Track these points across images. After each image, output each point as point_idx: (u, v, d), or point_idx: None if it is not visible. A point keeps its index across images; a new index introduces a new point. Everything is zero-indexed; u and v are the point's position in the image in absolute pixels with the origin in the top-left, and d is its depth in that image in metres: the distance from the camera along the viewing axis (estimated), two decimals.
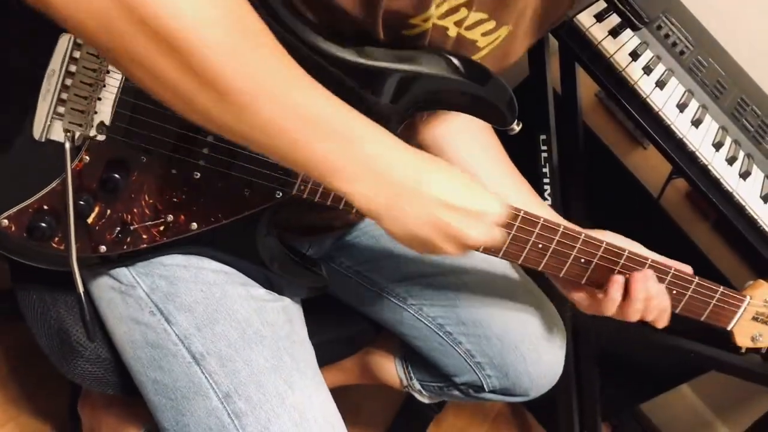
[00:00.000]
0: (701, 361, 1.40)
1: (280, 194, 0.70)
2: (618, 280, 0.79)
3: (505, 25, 0.74)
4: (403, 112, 0.69)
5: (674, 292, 0.82)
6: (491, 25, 0.73)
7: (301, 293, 0.81)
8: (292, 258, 0.78)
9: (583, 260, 0.78)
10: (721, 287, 0.84)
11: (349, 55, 0.66)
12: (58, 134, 0.63)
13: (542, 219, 0.74)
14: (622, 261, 0.79)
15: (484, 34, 0.74)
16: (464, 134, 0.91)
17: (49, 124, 0.63)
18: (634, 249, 0.80)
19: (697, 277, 0.82)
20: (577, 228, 0.78)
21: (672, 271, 0.81)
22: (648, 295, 0.78)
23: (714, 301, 0.84)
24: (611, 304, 0.79)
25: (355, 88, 0.66)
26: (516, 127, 0.73)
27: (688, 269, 0.83)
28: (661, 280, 0.80)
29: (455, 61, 0.69)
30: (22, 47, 0.62)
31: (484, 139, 0.92)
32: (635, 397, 1.71)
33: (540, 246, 0.75)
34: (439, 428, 1.58)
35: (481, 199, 0.65)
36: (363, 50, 0.66)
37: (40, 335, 0.80)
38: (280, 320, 0.76)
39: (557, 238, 0.75)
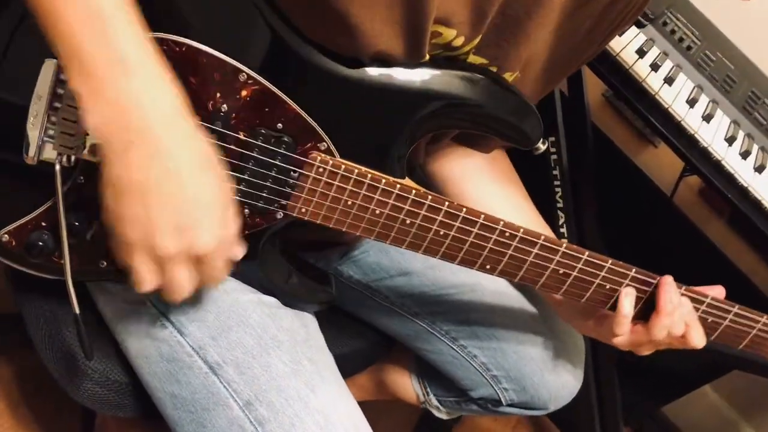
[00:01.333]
0: (724, 360, 1.37)
1: (281, 215, 0.68)
2: (629, 292, 0.74)
3: (509, 72, 0.72)
4: (415, 131, 0.68)
5: (709, 320, 0.78)
6: (494, 70, 0.71)
7: (310, 308, 0.80)
8: (300, 276, 0.76)
9: (608, 287, 0.75)
10: (765, 316, 0.79)
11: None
12: (50, 155, 0.62)
13: (564, 245, 0.71)
14: (651, 289, 0.75)
15: None
16: (479, 173, 0.87)
17: (40, 145, 0.62)
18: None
19: (736, 306, 0.78)
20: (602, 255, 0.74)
21: (708, 300, 0.77)
22: (675, 306, 0.74)
23: (756, 331, 0.80)
24: (623, 320, 0.74)
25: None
26: (542, 146, 0.71)
27: (720, 292, 0.79)
28: (695, 309, 0.76)
29: (478, 81, 0.67)
30: (7, 73, 0.61)
31: (500, 176, 0.88)
32: (656, 399, 1.68)
33: (561, 272, 0.73)
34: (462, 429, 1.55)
35: (203, 217, 0.56)
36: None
37: (48, 359, 0.80)
38: (295, 325, 0.75)
39: (580, 265, 0.73)
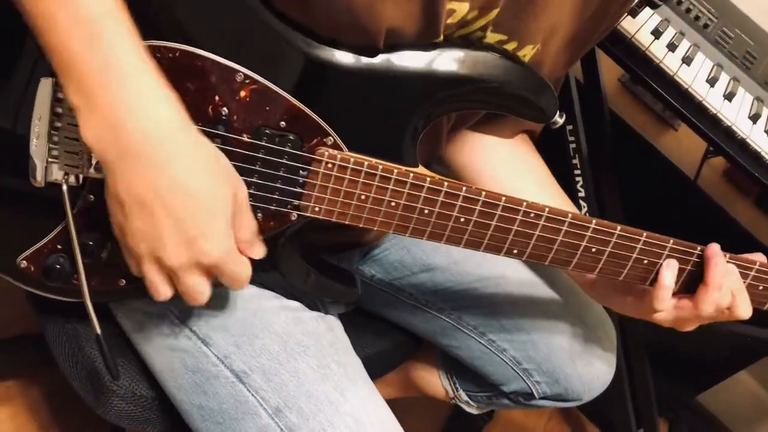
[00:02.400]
0: (759, 345, 1.34)
1: (296, 216, 0.67)
2: (671, 263, 0.70)
3: (530, 45, 0.70)
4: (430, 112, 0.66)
5: (760, 288, 0.75)
6: (513, 45, 0.69)
7: (336, 309, 0.78)
8: (319, 275, 0.75)
9: (646, 261, 0.72)
10: None
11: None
12: (57, 176, 0.61)
13: (594, 221, 0.68)
14: (693, 259, 0.71)
15: None
16: (501, 157, 0.85)
17: (46, 166, 0.61)
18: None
19: None
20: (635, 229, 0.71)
21: (756, 266, 0.73)
22: (726, 279, 0.70)
23: None
24: (663, 292, 0.70)
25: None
26: (559, 120, 0.69)
27: (763, 258, 0.75)
28: (743, 276, 0.73)
29: (493, 60, 0.65)
30: (4, 96, 0.60)
31: (523, 159, 0.86)
32: (691, 389, 1.65)
33: (594, 250, 0.70)
34: (492, 430, 1.53)
35: (209, 226, 0.54)
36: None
37: (73, 377, 0.79)
38: (320, 329, 0.73)
39: (613, 240, 0.70)
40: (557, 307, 0.91)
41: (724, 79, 1.07)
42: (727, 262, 0.72)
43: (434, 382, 1.05)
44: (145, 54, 0.53)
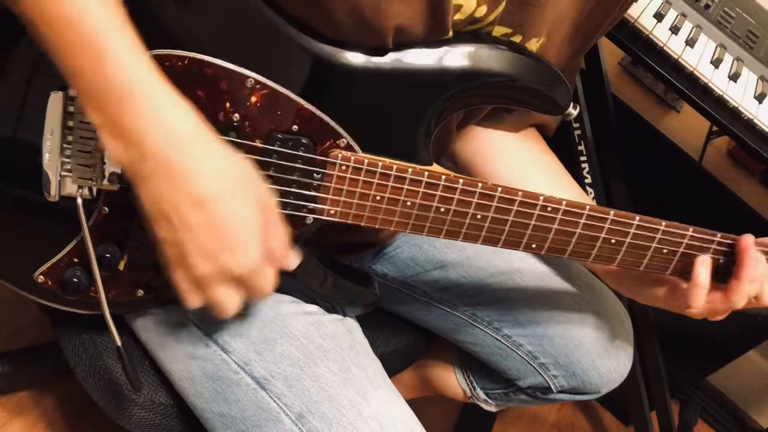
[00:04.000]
0: (767, 324, 1.34)
1: (311, 220, 0.66)
2: (704, 261, 0.70)
3: (535, 38, 0.69)
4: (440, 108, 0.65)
5: None
6: (518, 38, 0.68)
7: (354, 311, 0.78)
8: (337, 278, 0.74)
9: (665, 250, 0.71)
10: None
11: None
12: (71, 190, 0.61)
13: (613, 212, 0.68)
14: (713, 246, 0.71)
15: None
16: (511, 150, 0.84)
17: (59, 180, 0.60)
18: None
19: None
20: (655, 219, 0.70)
21: None
22: (760, 271, 0.69)
23: None
24: (699, 290, 0.69)
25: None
26: (574, 111, 0.68)
27: None
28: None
29: (506, 54, 0.64)
30: (15, 111, 0.60)
31: (533, 152, 0.86)
32: (701, 369, 1.65)
33: (613, 242, 0.70)
34: (504, 420, 1.54)
35: (236, 239, 0.54)
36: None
37: (92, 388, 0.79)
38: (340, 332, 0.73)
39: (632, 230, 0.69)
40: (572, 300, 0.91)
41: (728, 59, 1.06)
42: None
43: (451, 381, 1.05)
44: (154, 68, 0.52)
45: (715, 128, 1.38)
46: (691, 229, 0.71)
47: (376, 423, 0.66)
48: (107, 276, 0.64)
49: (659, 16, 1.03)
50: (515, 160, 0.84)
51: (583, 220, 0.68)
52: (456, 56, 0.63)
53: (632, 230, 0.70)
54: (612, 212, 0.69)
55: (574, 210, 0.68)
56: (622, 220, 0.69)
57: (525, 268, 0.91)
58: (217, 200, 0.53)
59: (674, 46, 1.02)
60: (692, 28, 1.08)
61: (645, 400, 1.47)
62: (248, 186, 0.56)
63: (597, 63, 1.28)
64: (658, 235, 0.70)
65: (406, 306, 0.97)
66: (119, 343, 0.60)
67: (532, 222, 0.68)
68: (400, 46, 0.61)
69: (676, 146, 1.45)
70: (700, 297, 0.70)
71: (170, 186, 0.52)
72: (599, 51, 1.26)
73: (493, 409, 1.04)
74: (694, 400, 1.79)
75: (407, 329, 1.00)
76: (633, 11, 1.03)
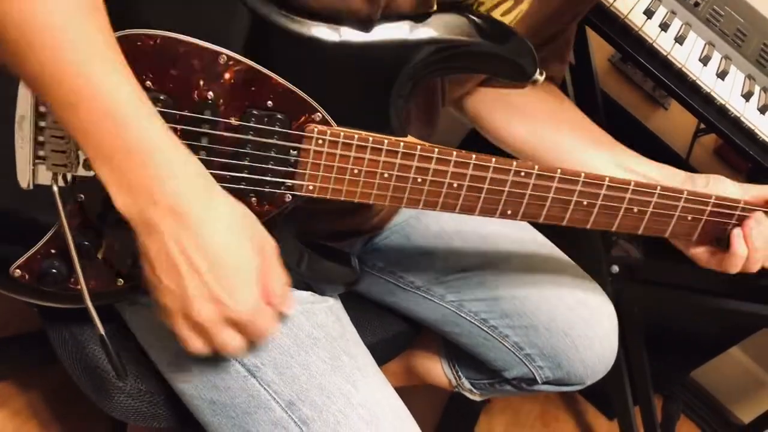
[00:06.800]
0: (751, 320, 1.35)
1: (290, 197, 0.66)
2: (739, 235, 0.75)
3: (526, 1, 0.70)
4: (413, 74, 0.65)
5: None
6: (509, 3, 0.69)
7: (336, 290, 0.78)
8: (313, 255, 0.74)
9: (690, 218, 0.75)
10: None
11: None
12: (45, 178, 0.60)
13: (633, 183, 0.70)
14: (737, 213, 0.76)
15: (503, 14, 0.70)
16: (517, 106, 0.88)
17: (33, 169, 0.60)
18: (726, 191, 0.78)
19: None
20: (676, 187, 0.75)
21: None
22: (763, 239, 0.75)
23: None
24: (737, 260, 0.75)
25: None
26: (540, 77, 0.68)
27: None
28: None
29: (469, 21, 0.65)
30: None
31: (549, 105, 0.90)
32: (685, 365, 1.67)
33: (635, 210, 0.72)
34: (489, 413, 1.55)
35: (236, 285, 0.55)
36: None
37: (78, 376, 0.79)
38: (329, 321, 0.73)
39: (654, 200, 0.72)
40: (558, 292, 0.92)
41: (716, 57, 1.07)
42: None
43: (436, 370, 1.05)
44: (165, 127, 0.53)
45: (702, 126, 1.39)
46: (713, 197, 0.74)
47: (365, 410, 0.66)
48: (85, 264, 0.62)
49: (649, 13, 1.04)
50: (530, 119, 0.88)
51: (603, 192, 0.70)
52: (421, 28, 0.63)
53: (654, 199, 0.73)
54: (633, 182, 0.71)
55: (592, 181, 0.69)
56: (643, 189, 0.72)
57: (513, 260, 0.92)
58: (220, 247, 0.54)
59: (663, 42, 1.02)
60: (681, 25, 1.08)
61: (629, 395, 1.48)
62: (247, 230, 0.56)
63: (587, 59, 1.29)
64: (681, 204, 0.73)
65: (394, 297, 0.97)
66: (102, 332, 0.60)
67: (551, 194, 0.69)
68: (382, 19, 0.61)
69: (663, 143, 1.46)
70: (739, 266, 0.76)
71: (175, 232, 0.53)
72: (589, 47, 1.27)
73: (477, 398, 1.05)
74: (677, 395, 1.80)
75: (395, 320, 1.01)
76: (624, 7, 1.03)
